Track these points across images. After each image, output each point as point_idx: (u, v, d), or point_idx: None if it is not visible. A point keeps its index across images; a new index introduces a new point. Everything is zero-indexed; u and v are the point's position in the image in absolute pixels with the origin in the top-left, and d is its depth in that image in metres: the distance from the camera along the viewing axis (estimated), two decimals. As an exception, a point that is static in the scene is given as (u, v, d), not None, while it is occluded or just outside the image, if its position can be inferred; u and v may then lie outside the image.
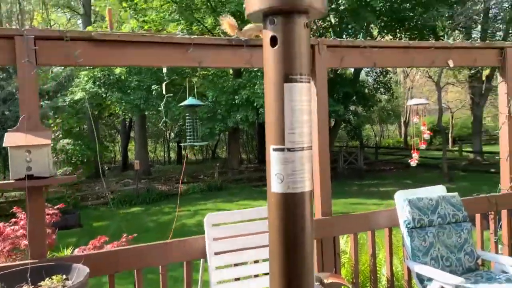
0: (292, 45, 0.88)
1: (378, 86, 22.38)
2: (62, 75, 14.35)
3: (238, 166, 19.20)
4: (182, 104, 2.73)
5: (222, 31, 2.80)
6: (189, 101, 2.70)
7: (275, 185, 0.91)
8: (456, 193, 3.16)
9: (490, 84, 17.84)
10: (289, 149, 0.89)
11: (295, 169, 0.89)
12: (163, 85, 2.60)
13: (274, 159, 0.90)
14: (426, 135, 3.48)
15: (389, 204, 3.34)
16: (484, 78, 18.24)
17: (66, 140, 14.33)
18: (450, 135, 29.51)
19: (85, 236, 9.29)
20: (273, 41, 0.88)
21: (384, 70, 20.58)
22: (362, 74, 21.59)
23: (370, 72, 22.77)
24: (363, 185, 15.89)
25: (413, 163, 3.51)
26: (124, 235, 4.18)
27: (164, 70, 2.67)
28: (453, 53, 3.27)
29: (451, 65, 3.18)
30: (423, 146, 3.47)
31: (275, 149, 0.90)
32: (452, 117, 30.09)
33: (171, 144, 31.17)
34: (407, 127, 30.56)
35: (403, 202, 2.99)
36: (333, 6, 15.34)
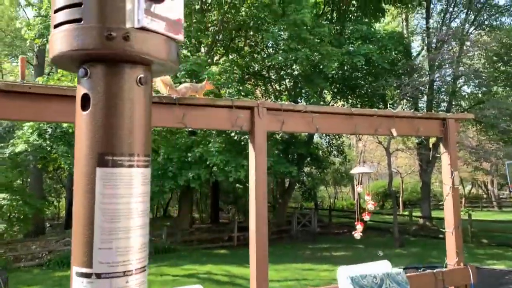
0: (114, 109, 0.53)
1: (332, 149, 22.83)
2: (1, 126, 13.55)
3: (189, 227, 18.46)
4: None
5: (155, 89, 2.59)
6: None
7: None
8: (401, 270, 2.96)
9: (436, 151, 18.54)
10: (99, 275, 0.52)
11: None
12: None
13: None
14: (371, 206, 3.32)
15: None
16: (430, 146, 19.00)
17: (1, 195, 13.29)
18: (400, 199, 30.22)
19: (9, 304, 8.37)
20: (85, 101, 0.55)
21: (335, 133, 21.10)
22: (316, 137, 22.00)
23: (323, 135, 23.28)
24: (316, 249, 15.60)
25: (357, 235, 3.31)
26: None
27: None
28: (397, 122, 3.21)
29: (394, 134, 3.10)
30: (367, 218, 3.30)
31: (79, 274, 0.53)
32: (402, 182, 31.02)
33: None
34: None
35: (345, 280, 2.74)
36: (288, 71, 15.81)
